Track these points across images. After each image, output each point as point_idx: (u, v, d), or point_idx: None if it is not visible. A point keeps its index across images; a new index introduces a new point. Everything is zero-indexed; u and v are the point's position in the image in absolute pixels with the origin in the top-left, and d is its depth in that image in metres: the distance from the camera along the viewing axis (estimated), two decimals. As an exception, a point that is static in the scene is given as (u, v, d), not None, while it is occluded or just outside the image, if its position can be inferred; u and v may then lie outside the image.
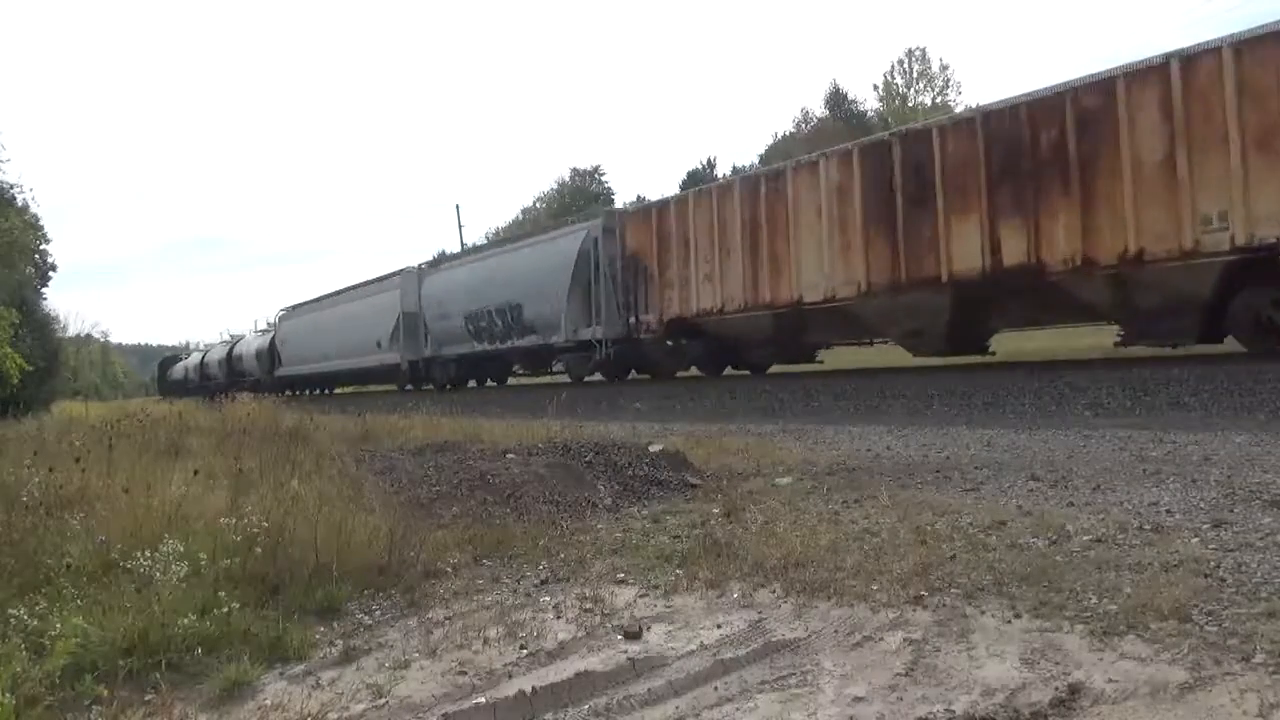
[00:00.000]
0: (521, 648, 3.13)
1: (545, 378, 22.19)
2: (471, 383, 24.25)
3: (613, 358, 17.05)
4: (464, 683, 2.88)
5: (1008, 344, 15.00)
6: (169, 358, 58.57)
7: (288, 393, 32.79)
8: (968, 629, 2.91)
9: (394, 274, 26.27)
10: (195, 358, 47.84)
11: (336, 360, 27.87)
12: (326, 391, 32.73)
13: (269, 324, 39.33)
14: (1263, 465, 5.21)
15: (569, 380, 18.82)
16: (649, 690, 2.70)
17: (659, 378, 17.38)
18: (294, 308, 33.89)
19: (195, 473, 5.23)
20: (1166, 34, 63.20)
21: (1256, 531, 3.71)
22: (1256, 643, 2.55)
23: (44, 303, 33.10)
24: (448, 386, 22.86)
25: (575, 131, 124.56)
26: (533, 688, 2.73)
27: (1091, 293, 10.11)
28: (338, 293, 30.37)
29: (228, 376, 38.44)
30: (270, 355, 33.89)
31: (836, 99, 53.18)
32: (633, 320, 16.29)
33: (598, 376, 18.61)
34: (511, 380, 24.38)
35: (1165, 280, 9.30)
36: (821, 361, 15.95)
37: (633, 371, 18.33)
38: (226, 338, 44.76)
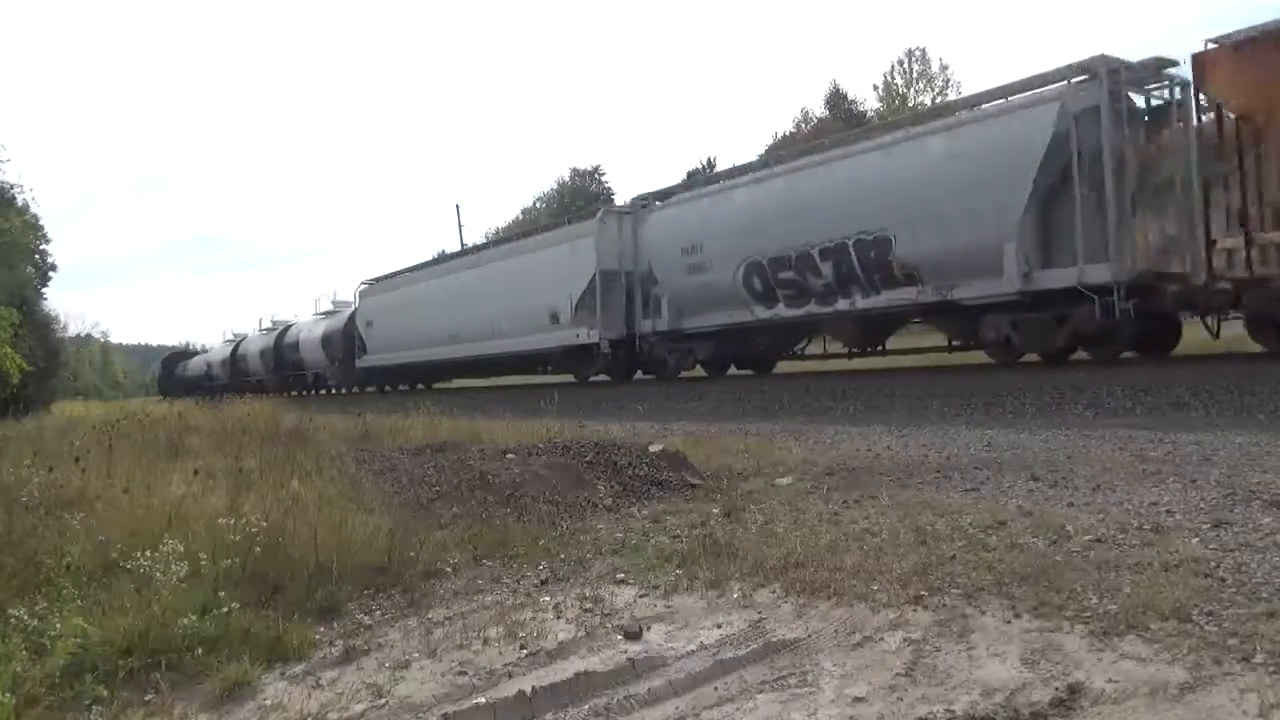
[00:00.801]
0: (521, 648, 3.13)
1: (872, 359, 14.19)
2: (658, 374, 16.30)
3: (1131, 317, 9.77)
4: (464, 683, 2.88)
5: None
6: (177, 353, 53.37)
7: (370, 388, 27.20)
8: (968, 629, 2.91)
9: (582, 217, 18.87)
10: (220, 350, 41.17)
11: (468, 344, 20.54)
12: (424, 386, 25.45)
13: (334, 304, 31.59)
14: (1263, 465, 5.21)
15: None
16: (649, 690, 2.70)
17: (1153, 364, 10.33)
18: (384, 279, 26.69)
19: (195, 473, 5.23)
20: (1168, 34, 63.20)
21: (1256, 531, 3.71)
22: (1256, 643, 2.55)
23: (44, 303, 33.16)
24: (692, 370, 16.06)
25: (575, 131, 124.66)
26: (533, 688, 2.73)
27: None
28: (465, 253, 23.50)
29: (274, 371, 32.95)
30: (346, 341, 27.13)
31: (836, 99, 53.10)
32: (1228, 248, 8.84)
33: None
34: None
35: None
36: None
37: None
38: (268, 325, 37.41)
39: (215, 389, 35.91)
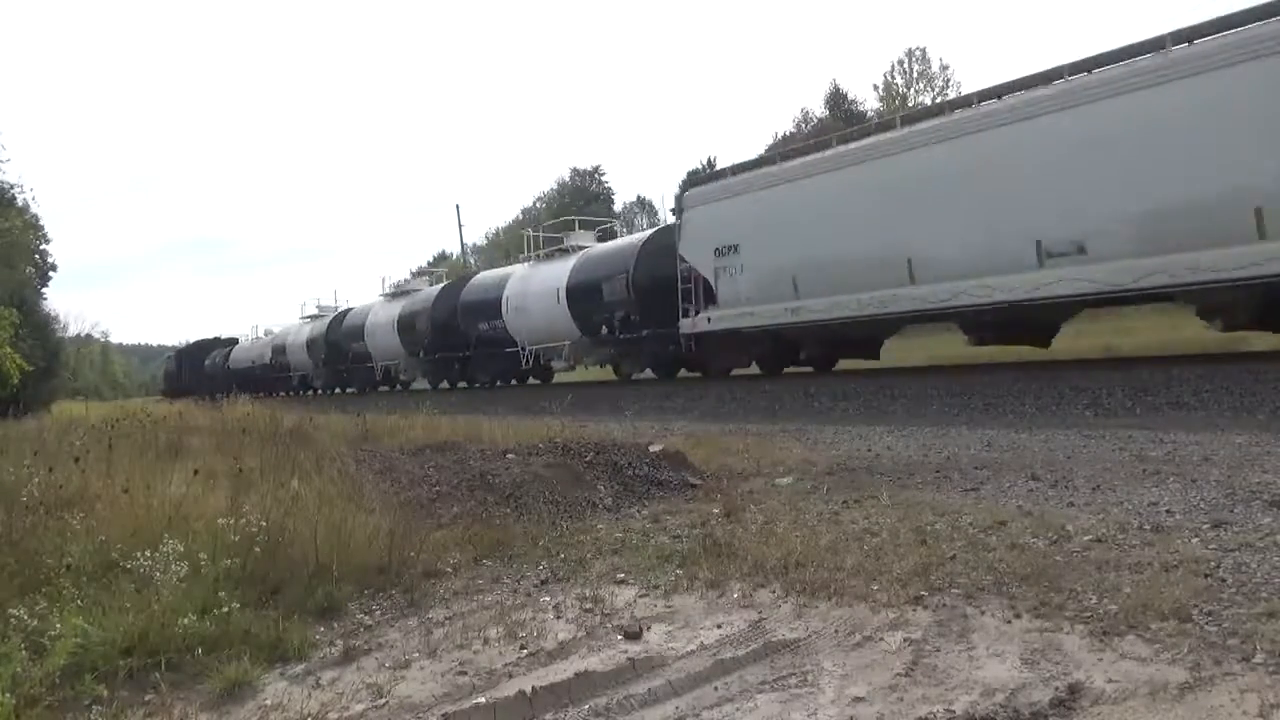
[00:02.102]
0: (521, 648, 3.13)
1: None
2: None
3: None
4: (464, 683, 2.88)
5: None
6: (201, 343, 42.11)
7: (686, 373, 15.74)
8: (968, 629, 2.91)
9: None
10: (300, 331, 28.05)
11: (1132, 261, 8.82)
12: (813, 368, 13.81)
13: (564, 230, 19.62)
14: (1263, 465, 5.20)
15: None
16: (649, 690, 2.70)
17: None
18: (754, 165, 13.96)
19: (195, 473, 5.23)
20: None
21: (1256, 531, 3.71)
22: (1256, 643, 2.55)
23: (44, 303, 33.13)
24: None
25: (575, 131, 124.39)
26: (533, 688, 2.73)
27: None
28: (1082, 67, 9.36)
29: (430, 353, 21.14)
30: (643, 294, 15.39)
31: (836, 99, 53.01)
32: None
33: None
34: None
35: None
36: None
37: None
38: (392, 287, 25.03)
39: (290, 386, 25.76)
